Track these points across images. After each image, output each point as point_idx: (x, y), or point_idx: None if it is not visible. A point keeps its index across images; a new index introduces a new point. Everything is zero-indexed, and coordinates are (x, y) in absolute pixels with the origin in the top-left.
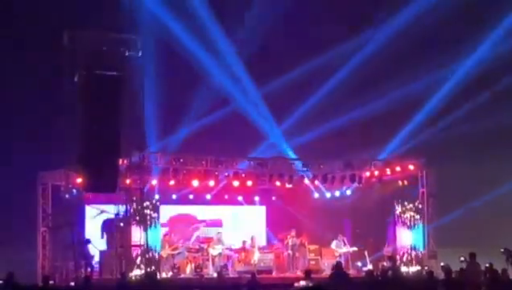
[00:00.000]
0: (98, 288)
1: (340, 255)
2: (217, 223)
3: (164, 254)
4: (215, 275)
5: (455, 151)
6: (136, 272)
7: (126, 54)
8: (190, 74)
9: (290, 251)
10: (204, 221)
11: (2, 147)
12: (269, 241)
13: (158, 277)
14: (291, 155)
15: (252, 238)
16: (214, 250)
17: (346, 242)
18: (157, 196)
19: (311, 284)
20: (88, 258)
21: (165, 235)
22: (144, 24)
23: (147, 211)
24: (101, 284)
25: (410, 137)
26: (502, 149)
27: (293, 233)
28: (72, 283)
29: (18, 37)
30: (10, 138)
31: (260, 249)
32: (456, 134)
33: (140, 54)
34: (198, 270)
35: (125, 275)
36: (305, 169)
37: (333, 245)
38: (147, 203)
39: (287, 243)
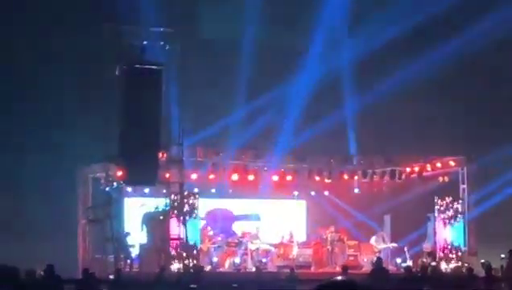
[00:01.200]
0: (136, 281)
1: (379, 251)
2: (256, 218)
3: (204, 247)
4: (254, 269)
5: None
6: (175, 266)
7: (166, 48)
8: (229, 67)
9: (329, 247)
10: (243, 215)
11: (44, 140)
12: (309, 236)
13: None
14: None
15: (290, 233)
16: (252, 245)
17: (386, 237)
18: (196, 190)
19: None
20: (128, 251)
21: (204, 229)
22: (184, 18)
23: (186, 204)
24: (140, 278)
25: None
26: None
27: (332, 228)
28: (111, 276)
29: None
30: (52, 131)
31: (299, 244)
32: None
33: (180, 48)
34: (237, 265)
35: (164, 269)
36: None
37: (372, 240)
38: (186, 196)
39: (326, 238)
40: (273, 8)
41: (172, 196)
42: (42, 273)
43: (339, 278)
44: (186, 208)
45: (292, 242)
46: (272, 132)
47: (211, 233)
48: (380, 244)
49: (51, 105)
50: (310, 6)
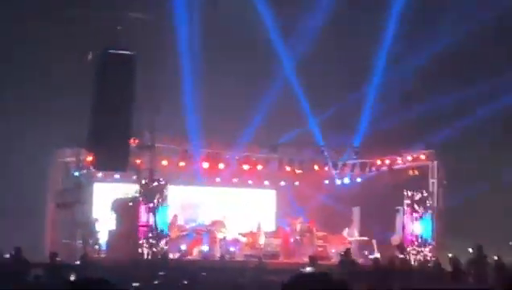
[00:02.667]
0: (104, 267)
1: (350, 243)
2: (224, 206)
3: (173, 235)
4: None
5: (465, 141)
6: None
7: (141, 34)
8: (211, 53)
9: (298, 237)
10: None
11: (15, 124)
12: (277, 226)
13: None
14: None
15: (258, 223)
16: (220, 234)
17: (357, 230)
18: (166, 178)
19: (313, 271)
20: (96, 237)
21: (174, 216)
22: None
23: (156, 191)
24: (108, 263)
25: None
26: None
27: (301, 219)
28: (78, 262)
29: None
30: (23, 115)
31: (267, 234)
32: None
33: (155, 34)
34: (205, 253)
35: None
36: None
37: (345, 232)
38: (156, 183)
39: (295, 229)
40: None
41: (142, 183)
42: (8, 256)
43: (308, 269)
44: (155, 195)
45: (260, 231)
46: (245, 121)
47: (180, 221)
48: (352, 236)
49: (24, 88)
50: None
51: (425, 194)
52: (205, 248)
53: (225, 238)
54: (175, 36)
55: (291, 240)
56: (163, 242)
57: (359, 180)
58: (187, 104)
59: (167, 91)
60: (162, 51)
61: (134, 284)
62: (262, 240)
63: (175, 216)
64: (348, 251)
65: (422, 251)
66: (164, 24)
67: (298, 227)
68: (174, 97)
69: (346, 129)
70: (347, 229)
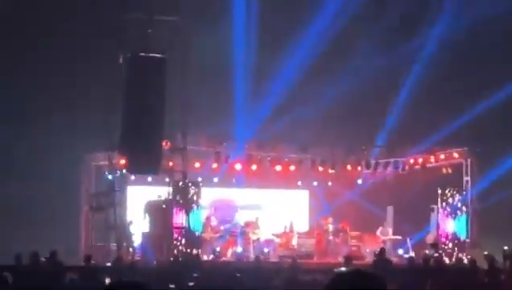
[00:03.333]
0: (139, 269)
1: (383, 242)
2: (257, 207)
3: (207, 237)
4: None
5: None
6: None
7: (172, 37)
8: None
9: (331, 237)
10: (245, 205)
11: (48, 128)
12: (311, 226)
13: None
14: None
15: (291, 223)
16: (254, 235)
17: (391, 229)
18: (199, 179)
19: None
20: (130, 239)
21: (207, 218)
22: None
23: (190, 193)
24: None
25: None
26: None
27: (330, 219)
28: (112, 265)
29: (62, 24)
30: (56, 119)
31: (301, 234)
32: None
33: (186, 36)
34: (239, 254)
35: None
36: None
37: (379, 232)
38: (189, 185)
39: (327, 229)
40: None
41: (175, 185)
42: (44, 259)
43: (342, 269)
44: (189, 197)
45: (292, 231)
46: (276, 122)
47: (214, 223)
48: (386, 235)
49: (54, 92)
50: None
51: (459, 192)
52: (239, 249)
53: (258, 239)
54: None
55: (325, 240)
56: (196, 244)
57: (392, 178)
58: (220, 106)
59: (199, 92)
60: (192, 52)
61: (170, 286)
62: (295, 240)
63: (209, 217)
64: (382, 250)
65: (456, 250)
66: (195, 25)
67: (330, 227)
68: (206, 99)
69: (377, 128)
70: (381, 228)
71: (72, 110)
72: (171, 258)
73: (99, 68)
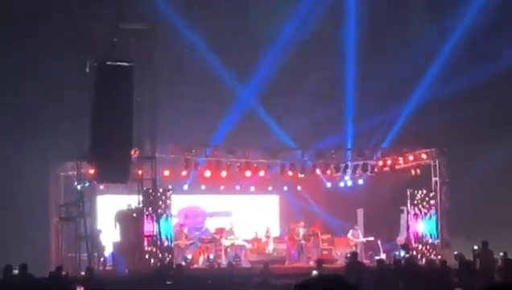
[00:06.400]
0: (110, 279)
1: (355, 245)
2: (227, 214)
3: (181, 244)
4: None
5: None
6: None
7: (138, 44)
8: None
9: (302, 241)
10: (214, 212)
11: (15, 139)
12: (282, 231)
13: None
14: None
15: (267, 229)
16: (227, 241)
17: (361, 232)
18: (169, 187)
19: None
20: (101, 249)
21: (180, 225)
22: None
23: (160, 201)
24: (113, 275)
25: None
26: None
27: (301, 223)
28: (83, 273)
29: (30, 28)
30: (23, 130)
31: (274, 239)
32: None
33: (153, 44)
34: (211, 260)
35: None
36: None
37: (350, 234)
38: (159, 193)
39: (298, 233)
40: None
41: (145, 193)
42: (15, 272)
43: (314, 272)
44: (159, 205)
45: (269, 237)
46: (245, 128)
47: (186, 230)
48: (356, 238)
49: (22, 102)
50: None
51: (428, 193)
52: (211, 256)
53: (232, 245)
54: (172, 45)
55: (296, 244)
56: (168, 252)
57: (361, 181)
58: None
59: (167, 100)
60: (160, 61)
61: None
62: (270, 246)
63: (182, 225)
64: (354, 254)
65: (427, 251)
66: (161, 33)
67: (301, 231)
68: (173, 106)
69: (346, 131)
70: (351, 231)
71: (40, 120)
72: (144, 267)
73: (67, 75)
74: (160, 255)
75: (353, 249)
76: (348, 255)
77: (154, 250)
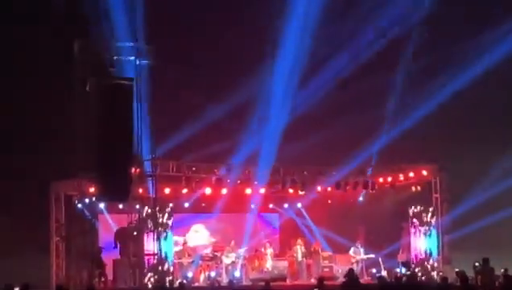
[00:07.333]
0: None
1: (356, 262)
2: (227, 231)
3: (185, 262)
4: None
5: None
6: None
7: (138, 62)
8: (204, 80)
9: (300, 259)
10: (215, 230)
11: (15, 157)
12: (282, 248)
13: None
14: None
15: (265, 246)
16: (227, 259)
17: (363, 249)
18: (170, 205)
19: None
20: (102, 267)
21: (184, 243)
22: (157, 33)
23: (160, 219)
24: None
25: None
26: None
27: (299, 240)
28: None
29: (30, 48)
30: (23, 148)
31: (273, 256)
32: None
33: (151, 62)
34: (212, 279)
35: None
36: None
37: (351, 251)
38: (160, 212)
39: (297, 251)
40: None
41: (146, 212)
42: None
43: None
44: (160, 223)
45: (267, 254)
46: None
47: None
48: (358, 255)
49: (22, 120)
50: None
51: (429, 209)
52: (212, 274)
53: (233, 263)
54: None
55: (297, 262)
56: (168, 270)
57: (362, 198)
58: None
59: (168, 118)
60: (160, 78)
61: None
62: (268, 263)
63: (185, 243)
64: (350, 271)
65: (428, 267)
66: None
67: (298, 249)
68: (175, 124)
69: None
70: (353, 248)
71: (42, 139)
72: (145, 286)
73: (68, 95)
74: (161, 273)
75: (354, 266)
76: (345, 273)
77: (155, 268)
